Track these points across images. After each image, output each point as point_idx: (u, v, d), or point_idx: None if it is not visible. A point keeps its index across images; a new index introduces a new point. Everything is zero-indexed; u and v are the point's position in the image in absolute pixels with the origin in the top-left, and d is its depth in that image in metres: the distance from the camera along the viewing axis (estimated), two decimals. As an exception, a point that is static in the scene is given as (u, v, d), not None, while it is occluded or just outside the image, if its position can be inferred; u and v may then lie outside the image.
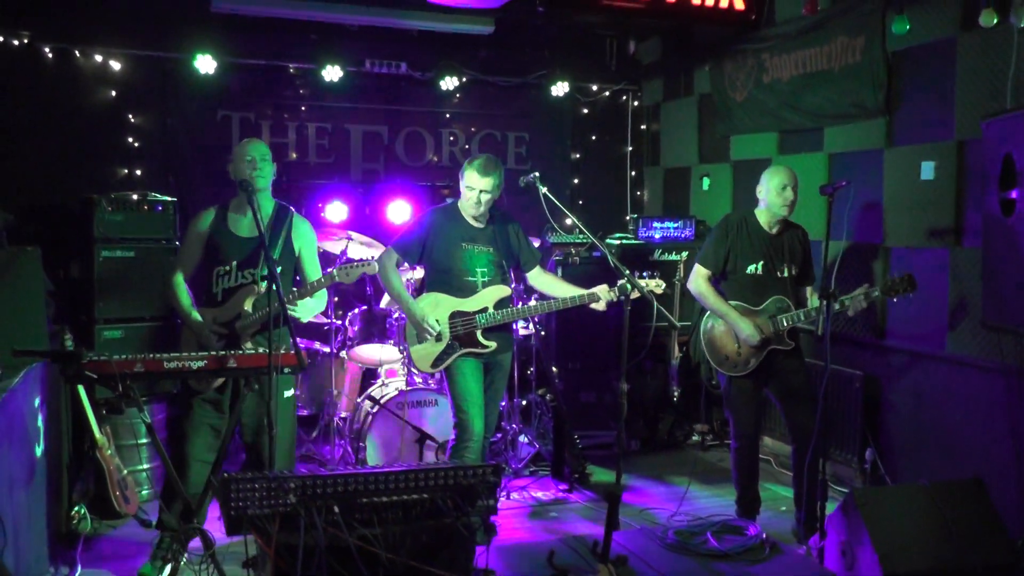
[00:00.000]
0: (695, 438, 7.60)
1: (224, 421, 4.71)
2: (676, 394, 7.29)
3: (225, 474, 3.32)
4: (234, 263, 4.76)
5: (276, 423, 4.16)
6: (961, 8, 5.41)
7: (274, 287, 4.14)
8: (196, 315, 4.70)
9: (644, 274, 5.10)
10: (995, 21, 4.80)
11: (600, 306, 5.21)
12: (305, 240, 4.98)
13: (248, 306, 4.73)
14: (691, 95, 8.40)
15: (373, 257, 5.35)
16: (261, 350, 4.35)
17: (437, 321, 5.18)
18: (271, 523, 3.25)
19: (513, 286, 5.43)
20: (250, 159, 4.76)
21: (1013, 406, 5.16)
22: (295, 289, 4.86)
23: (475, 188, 5.12)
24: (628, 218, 8.10)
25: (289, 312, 4.56)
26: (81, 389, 5.11)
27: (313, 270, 5.00)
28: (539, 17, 6.90)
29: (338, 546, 3.21)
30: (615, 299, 5.13)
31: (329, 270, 4.89)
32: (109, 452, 5.33)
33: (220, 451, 4.47)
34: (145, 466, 5.89)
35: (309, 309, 4.92)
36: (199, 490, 4.54)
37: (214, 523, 4.06)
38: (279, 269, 4.69)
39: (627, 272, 4.91)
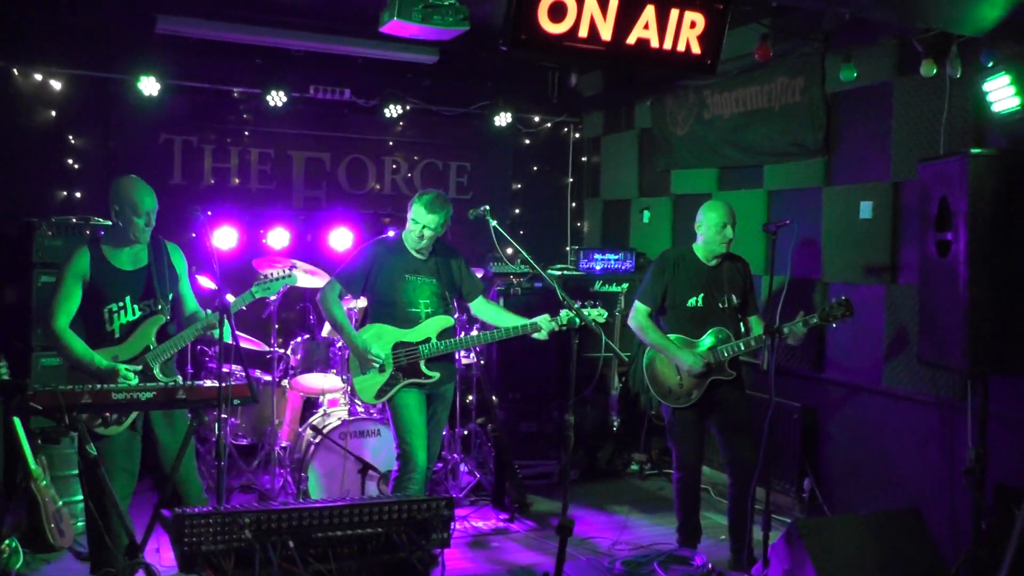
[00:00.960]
0: (634, 467, 7.67)
1: (134, 462, 4.56)
2: (616, 423, 7.36)
3: (178, 510, 3.28)
4: (127, 298, 4.57)
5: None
6: (898, 54, 5.62)
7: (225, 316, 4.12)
8: (100, 359, 4.41)
9: (587, 304, 5.18)
10: (934, 71, 4.99)
11: (542, 335, 5.27)
12: (181, 265, 4.85)
13: (153, 338, 4.60)
14: (632, 129, 8.54)
15: (295, 281, 5.24)
16: (171, 381, 4.37)
17: (379, 351, 5.18)
18: (226, 559, 3.22)
19: (456, 316, 5.46)
20: (147, 213, 4.56)
21: (947, 438, 5.32)
22: (197, 307, 4.80)
23: (419, 223, 5.18)
24: (568, 249, 8.18)
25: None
26: (16, 419, 4.99)
27: (189, 293, 4.87)
28: (483, 48, 6.95)
29: (294, 582, 3.19)
30: (557, 328, 5.20)
31: (250, 288, 4.87)
32: (44, 483, 5.20)
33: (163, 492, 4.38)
34: (81, 497, 5.73)
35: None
36: (121, 530, 4.36)
37: (151, 554, 3.99)
38: (169, 295, 4.66)
39: (575, 304, 4.98)
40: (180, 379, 4.73)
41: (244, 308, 4.92)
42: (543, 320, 5.22)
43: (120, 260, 4.61)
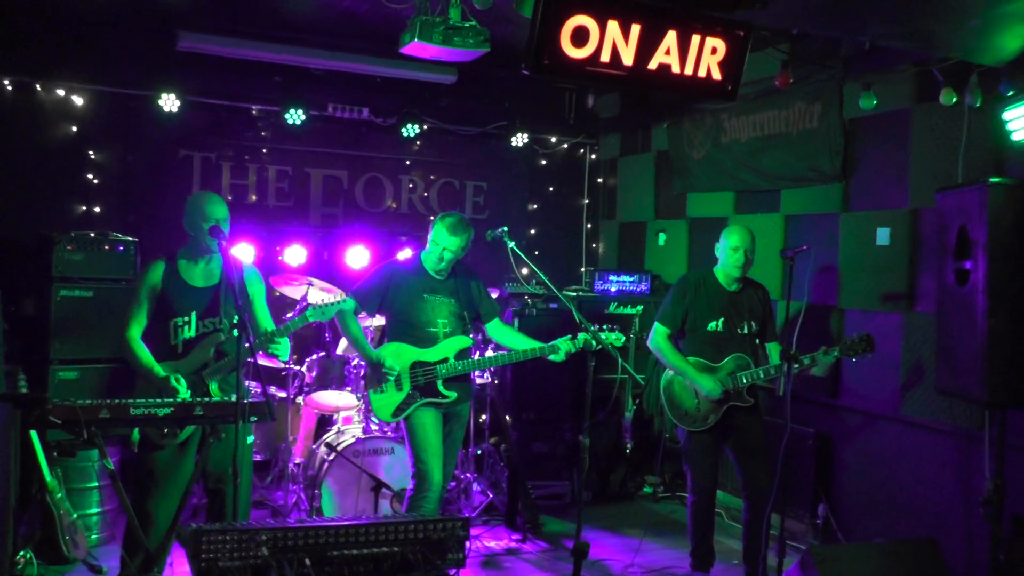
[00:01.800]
0: (647, 490, 7.65)
1: (184, 477, 4.57)
2: (629, 446, 7.35)
3: (194, 526, 3.28)
4: (193, 314, 4.66)
5: (241, 471, 4.13)
6: (916, 82, 5.63)
7: (240, 332, 4.14)
8: (159, 370, 4.53)
9: (604, 327, 5.18)
10: (954, 100, 5.00)
11: (559, 357, 5.27)
12: (257, 288, 4.94)
13: (213, 355, 4.67)
14: (648, 151, 8.56)
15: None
16: (227, 398, 4.36)
17: (395, 367, 5.19)
18: (243, 576, 3.22)
19: (473, 337, 5.48)
20: (216, 220, 4.62)
21: (964, 468, 5.30)
22: (274, 328, 4.82)
23: (440, 245, 5.21)
24: (584, 271, 8.19)
25: (271, 352, 4.69)
26: (33, 432, 5.01)
27: (264, 316, 4.95)
28: (501, 69, 7.00)
29: (310, 600, 3.19)
30: (573, 351, 5.20)
31: (302, 310, 4.92)
32: (59, 496, 5.22)
33: (183, 500, 4.40)
34: (95, 511, 5.77)
35: (285, 349, 4.84)
36: (160, 541, 4.43)
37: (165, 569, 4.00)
38: (235, 317, 4.55)
39: (592, 327, 4.98)
40: (245, 394, 4.67)
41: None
42: (562, 342, 5.23)
43: (193, 276, 4.71)
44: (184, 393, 4.46)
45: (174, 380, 4.49)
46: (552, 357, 5.29)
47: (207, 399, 4.32)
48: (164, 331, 4.65)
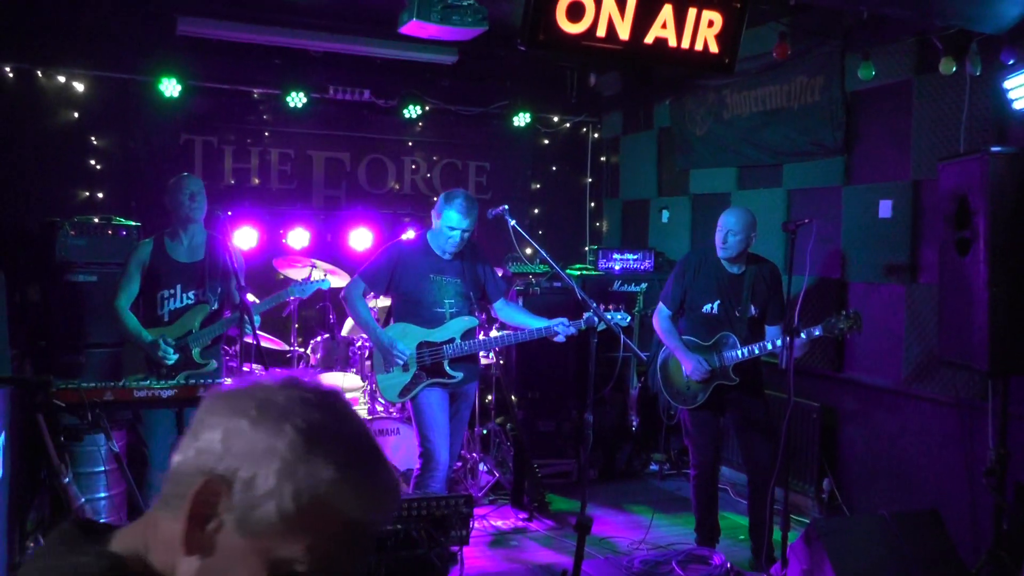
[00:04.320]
0: (653, 467, 7.67)
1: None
2: (635, 424, 7.36)
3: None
4: (178, 286, 5.20)
5: None
6: (917, 52, 5.60)
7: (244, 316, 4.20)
8: (147, 334, 5.06)
9: (609, 308, 5.18)
10: (954, 69, 4.97)
11: (559, 338, 5.28)
12: (238, 264, 5.24)
13: (197, 324, 5.22)
14: (651, 128, 8.54)
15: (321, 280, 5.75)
16: (208, 363, 5.14)
17: (404, 348, 5.21)
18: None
19: (478, 317, 5.48)
20: (190, 192, 5.19)
21: (967, 440, 5.30)
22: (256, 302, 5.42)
23: (457, 228, 5.16)
24: (588, 249, 8.18)
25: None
26: (40, 416, 5.03)
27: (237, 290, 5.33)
28: (502, 48, 6.98)
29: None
30: (575, 333, 5.22)
31: (286, 288, 5.52)
32: (67, 480, 5.24)
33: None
34: (103, 494, 5.79)
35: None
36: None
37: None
38: (219, 289, 5.27)
39: (595, 305, 4.98)
40: (215, 363, 5.26)
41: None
42: (561, 326, 5.22)
43: (178, 253, 5.25)
44: (171, 354, 5.01)
45: (163, 343, 5.01)
46: (555, 339, 5.30)
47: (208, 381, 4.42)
48: (152, 302, 5.19)
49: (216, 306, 5.28)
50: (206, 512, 1.16)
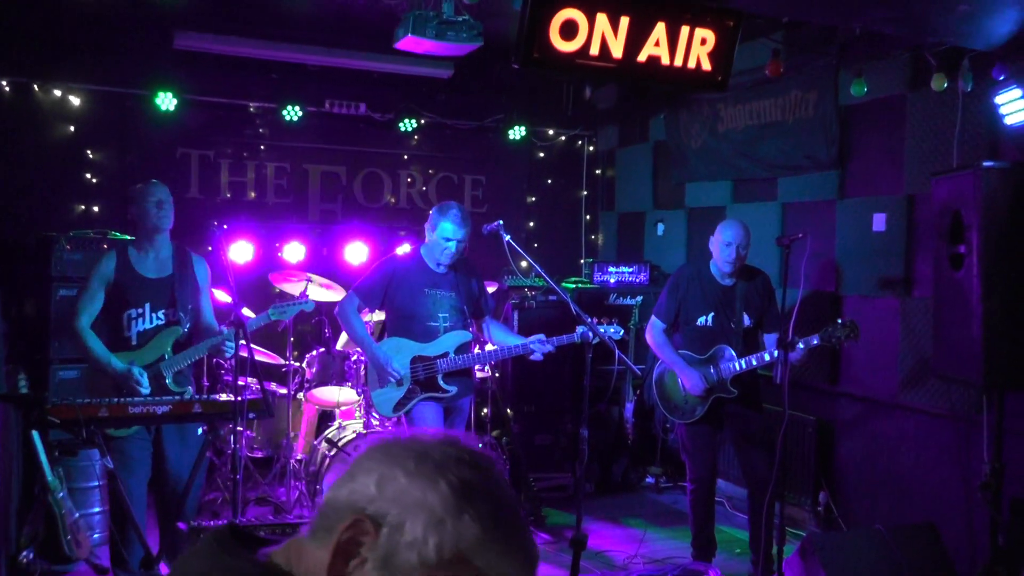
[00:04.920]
0: (649, 480, 7.66)
1: (148, 462, 4.64)
2: (631, 437, 7.36)
3: (194, 523, 3.30)
4: (147, 305, 4.69)
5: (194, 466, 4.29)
6: (910, 67, 5.62)
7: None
8: (118, 361, 4.54)
9: (603, 321, 5.19)
10: (945, 86, 4.99)
11: (536, 356, 5.28)
12: (204, 278, 4.97)
13: (169, 348, 4.70)
14: (646, 141, 8.56)
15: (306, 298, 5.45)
16: (183, 391, 4.62)
17: (400, 366, 5.21)
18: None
19: (472, 331, 5.49)
20: (157, 200, 4.72)
21: (963, 452, 5.30)
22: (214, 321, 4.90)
23: (452, 239, 5.17)
24: (583, 262, 8.19)
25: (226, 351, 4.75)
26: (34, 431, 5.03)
27: (208, 306, 4.99)
28: (497, 63, 7.00)
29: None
30: (554, 349, 5.24)
31: (267, 311, 5.01)
32: (61, 495, 5.24)
33: (184, 492, 4.41)
34: (97, 509, 5.79)
35: (231, 348, 4.85)
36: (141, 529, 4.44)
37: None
38: (189, 307, 4.78)
39: (589, 320, 4.99)
40: (191, 390, 4.82)
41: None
42: (537, 343, 5.23)
43: (145, 267, 4.73)
44: (145, 385, 4.48)
45: (137, 373, 4.49)
46: (532, 357, 5.31)
47: (170, 396, 4.35)
48: (117, 323, 4.66)
49: (188, 327, 4.80)
50: (352, 549, 1.23)
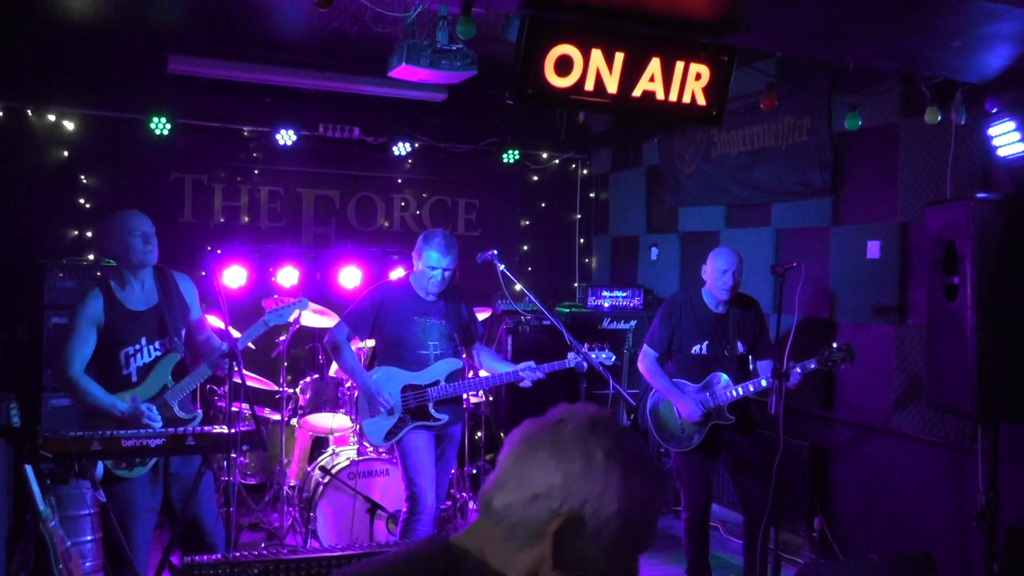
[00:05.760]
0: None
1: (157, 499, 4.52)
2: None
3: (187, 559, 3.29)
4: (143, 339, 4.47)
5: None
6: (904, 97, 5.65)
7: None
8: (121, 403, 4.34)
9: (595, 347, 5.19)
10: (939, 119, 5.01)
11: (525, 383, 5.28)
12: (191, 295, 4.77)
13: (170, 376, 4.53)
14: (640, 166, 8.58)
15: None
16: (191, 417, 4.53)
17: (390, 395, 5.20)
18: (235, 610, 3.22)
19: (464, 359, 5.49)
20: (143, 234, 4.47)
21: (957, 480, 5.30)
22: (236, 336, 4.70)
23: (438, 267, 5.17)
24: (577, 286, 8.18)
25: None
26: (26, 463, 4.99)
27: (201, 322, 4.83)
28: (491, 87, 7.02)
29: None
30: (544, 376, 5.26)
31: (262, 318, 4.87)
32: (53, 524, 5.20)
33: (175, 531, 4.38)
34: (89, 537, 5.75)
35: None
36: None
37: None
38: (182, 331, 4.60)
39: (582, 349, 4.99)
40: (199, 414, 4.67)
41: (252, 347, 4.92)
42: (526, 371, 5.24)
43: (132, 300, 4.51)
44: (158, 420, 4.34)
45: (145, 408, 4.33)
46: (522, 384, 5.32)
47: (164, 429, 4.25)
48: (114, 362, 4.44)
49: (184, 352, 4.60)
50: (563, 542, 1.52)
